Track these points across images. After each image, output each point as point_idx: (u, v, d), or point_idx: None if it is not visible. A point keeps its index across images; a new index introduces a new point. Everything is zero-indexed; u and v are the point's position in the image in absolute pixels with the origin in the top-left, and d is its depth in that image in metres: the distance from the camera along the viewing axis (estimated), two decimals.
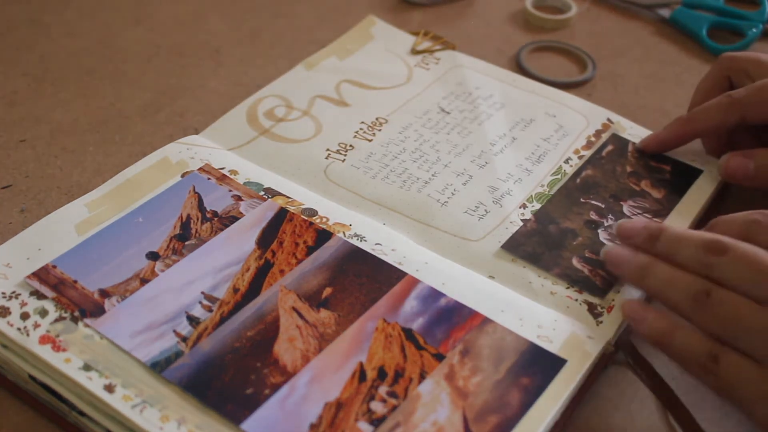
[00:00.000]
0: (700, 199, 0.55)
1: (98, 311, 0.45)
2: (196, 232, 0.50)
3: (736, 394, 0.41)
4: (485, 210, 0.54)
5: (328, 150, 0.58)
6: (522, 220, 0.53)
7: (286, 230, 0.51)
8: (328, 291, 0.47)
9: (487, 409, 0.42)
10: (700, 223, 0.55)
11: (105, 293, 0.46)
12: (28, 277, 0.46)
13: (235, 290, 0.47)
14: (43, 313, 0.45)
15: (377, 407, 0.42)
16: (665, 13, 0.75)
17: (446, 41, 0.69)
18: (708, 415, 0.44)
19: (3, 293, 0.46)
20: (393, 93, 0.63)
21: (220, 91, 0.65)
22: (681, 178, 0.56)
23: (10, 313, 0.45)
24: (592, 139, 0.60)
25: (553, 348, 0.45)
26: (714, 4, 0.74)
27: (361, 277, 0.48)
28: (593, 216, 0.54)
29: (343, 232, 0.51)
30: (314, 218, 0.52)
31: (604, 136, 0.60)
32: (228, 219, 0.51)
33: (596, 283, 0.49)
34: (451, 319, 0.46)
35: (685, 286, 0.42)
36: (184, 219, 0.51)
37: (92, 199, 0.52)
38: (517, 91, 0.64)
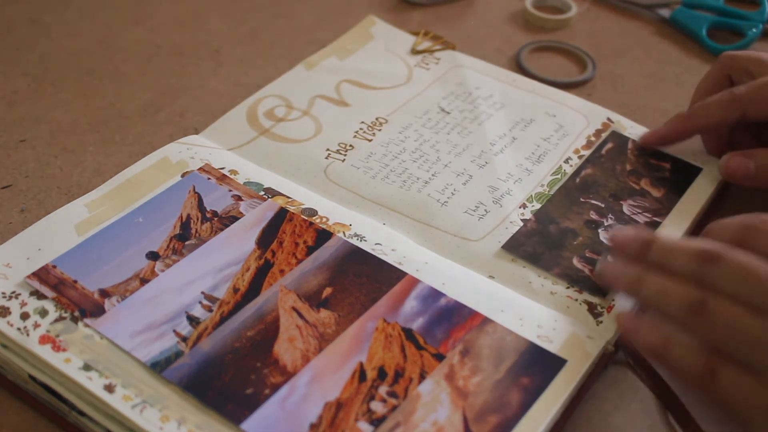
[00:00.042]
0: (700, 197, 0.55)
1: (98, 311, 0.45)
2: (196, 232, 0.50)
3: (735, 406, 0.40)
4: (485, 210, 0.54)
5: (328, 150, 0.58)
6: (522, 219, 0.53)
7: (286, 230, 0.51)
8: (328, 291, 0.47)
9: (487, 409, 0.42)
10: (700, 221, 0.55)
11: (105, 293, 0.46)
12: (28, 277, 0.46)
13: (235, 290, 0.47)
14: (43, 313, 0.45)
15: (377, 407, 0.42)
16: (665, 13, 0.75)
17: (446, 41, 0.69)
18: (708, 415, 0.44)
19: (3, 293, 0.46)
20: (393, 93, 0.63)
21: (220, 91, 0.65)
22: (681, 177, 0.56)
23: (10, 313, 0.45)
24: (592, 138, 0.60)
25: (553, 348, 0.45)
26: (714, 4, 0.74)
27: (361, 277, 0.48)
28: (593, 215, 0.54)
29: (343, 232, 0.51)
30: (314, 218, 0.52)
31: (604, 136, 0.60)
32: (228, 219, 0.51)
33: (596, 282, 0.49)
34: (451, 319, 0.46)
35: (680, 296, 0.41)
36: (184, 219, 0.51)
37: (92, 199, 0.52)
38: (517, 91, 0.64)
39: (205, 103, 0.63)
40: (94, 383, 0.42)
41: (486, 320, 0.46)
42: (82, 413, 0.42)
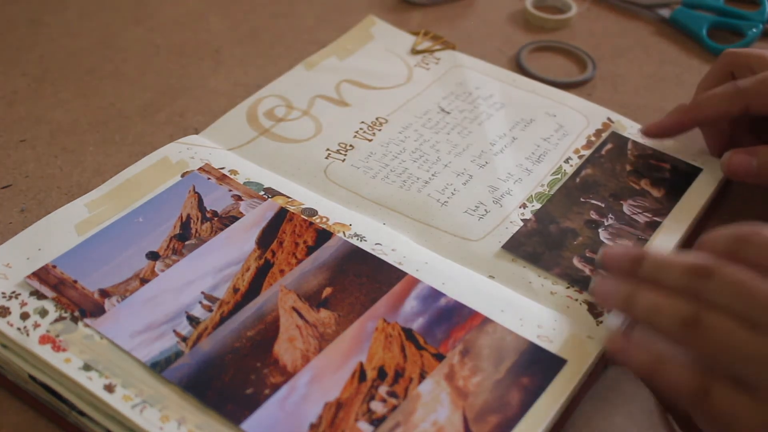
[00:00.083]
0: (700, 197, 0.55)
1: (98, 311, 0.45)
2: (196, 232, 0.50)
3: (729, 425, 0.39)
4: (485, 210, 0.54)
5: (328, 150, 0.58)
6: (522, 219, 0.53)
7: (286, 230, 0.51)
8: (328, 291, 0.47)
9: (487, 409, 0.42)
10: (700, 221, 0.55)
11: (105, 293, 0.46)
12: (28, 277, 0.46)
13: (235, 290, 0.47)
14: (43, 313, 0.45)
15: (377, 407, 0.42)
16: (665, 13, 0.75)
17: (446, 41, 0.69)
18: None
19: (3, 293, 0.46)
20: (393, 93, 0.63)
21: (220, 91, 0.65)
22: (681, 177, 0.56)
23: (10, 313, 0.45)
24: (593, 138, 0.60)
25: (553, 348, 0.45)
26: (714, 4, 0.74)
27: (361, 277, 0.48)
28: (593, 215, 0.54)
29: (343, 232, 0.51)
30: (314, 218, 0.52)
31: (604, 136, 0.60)
32: (228, 219, 0.51)
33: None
34: (451, 319, 0.46)
35: (673, 311, 0.40)
36: (184, 219, 0.51)
37: (92, 199, 0.52)
38: (517, 90, 0.64)
39: (205, 103, 0.63)
40: (94, 383, 0.42)
41: (486, 320, 0.46)
42: (82, 413, 0.42)
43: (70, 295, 0.46)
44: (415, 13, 0.74)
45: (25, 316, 0.44)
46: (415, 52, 0.67)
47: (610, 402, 0.46)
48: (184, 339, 0.44)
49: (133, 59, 0.68)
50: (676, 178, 0.56)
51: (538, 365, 0.44)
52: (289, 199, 0.53)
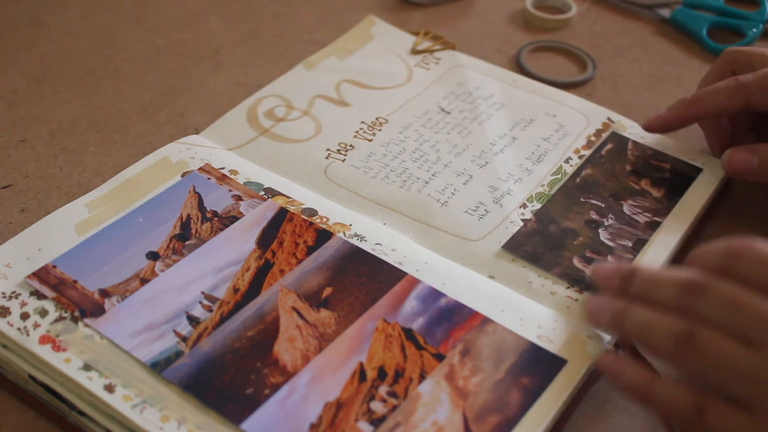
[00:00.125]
0: (700, 197, 0.55)
1: (98, 311, 0.45)
2: (196, 232, 0.50)
3: None
4: (485, 210, 0.54)
5: (328, 150, 0.58)
6: (522, 219, 0.53)
7: (286, 230, 0.51)
8: (328, 291, 0.47)
9: (487, 409, 0.42)
10: (700, 221, 0.55)
11: (105, 293, 0.46)
12: (28, 277, 0.46)
13: (235, 290, 0.47)
14: (43, 313, 0.45)
15: (377, 407, 0.42)
16: (665, 13, 0.75)
17: (446, 41, 0.69)
18: None
19: (3, 293, 0.46)
20: (393, 93, 0.63)
21: (220, 91, 0.65)
22: (681, 177, 0.56)
23: (10, 313, 0.45)
24: (593, 138, 0.60)
25: (553, 348, 0.45)
26: (714, 4, 0.74)
27: (361, 277, 0.48)
28: (593, 215, 0.54)
29: (343, 232, 0.51)
30: (314, 218, 0.52)
31: (605, 136, 0.60)
32: (228, 219, 0.51)
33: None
34: (451, 319, 0.46)
35: (666, 328, 0.40)
36: (184, 219, 0.51)
37: (92, 199, 0.52)
38: (517, 90, 0.64)
39: (205, 103, 0.63)
40: (94, 383, 0.42)
41: (486, 320, 0.46)
42: (82, 413, 0.42)
43: (70, 295, 0.46)
44: (415, 13, 0.74)
45: (25, 316, 0.44)
46: (415, 52, 0.67)
47: (610, 402, 0.45)
48: (184, 339, 0.44)
49: (133, 59, 0.68)
50: (676, 178, 0.56)
51: (538, 365, 0.44)
52: (289, 199, 0.53)
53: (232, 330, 0.45)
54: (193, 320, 0.45)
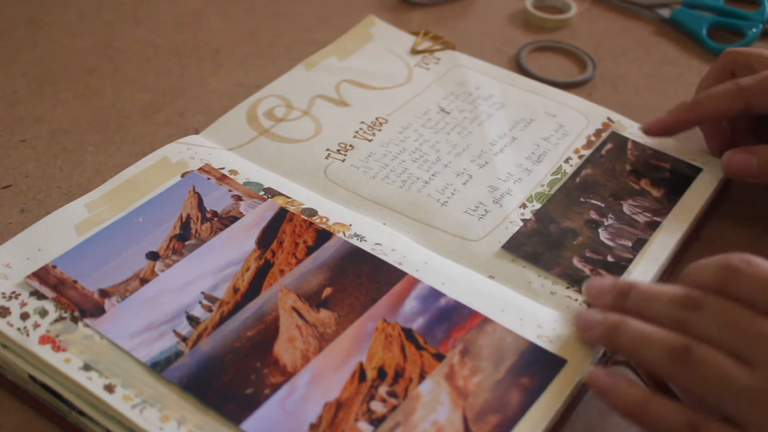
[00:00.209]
0: (700, 197, 0.55)
1: (98, 311, 0.45)
2: (196, 232, 0.50)
3: None
4: (485, 210, 0.54)
5: (328, 150, 0.58)
6: (522, 219, 0.53)
7: (286, 230, 0.51)
8: (328, 291, 0.47)
9: (487, 409, 0.42)
10: (699, 221, 0.55)
11: (105, 293, 0.46)
12: (28, 277, 0.46)
13: (235, 290, 0.47)
14: (43, 313, 0.45)
15: (377, 407, 0.42)
16: (665, 13, 0.75)
17: (446, 41, 0.69)
18: None
19: (3, 293, 0.46)
20: (393, 93, 0.63)
21: (220, 91, 0.65)
22: (681, 177, 0.56)
23: (10, 313, 0.45)
24: (593, 138, 0.60)
25: (553, 348, 0.45)
26: (714, 4, 0.74)
27: (361, 277, 0.48)
28: (593, 215, 0.54)
29: (343, 232, 0.51)
30: (314, 218, 0.52)
31: (604, 136, 0.60)
32: (228, 219, 0.51)
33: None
34: (451, 319, 0.46)
35: (662, 342, 0.39)
36: (184, 219, 0.51)
37: (92, 199, 0.52)
38: (517, 90, 0.64)
39: (205, 103, 0.63)
40: (94, 383, 0.42)
41: (486, 320, 0.46)
42: (82, 413, 0.42)
43: (70, 295, 0.46)
44: (415, 13, 0.74)
45: (25, 316, 0.44)
46: (415, 52, 0.67)
47: None
48: (184, 339, 0.44)
49: (133, 59, 0.68)
50: (676, 178, 0.56)
51: (538, 365, 0.44)
52: (289, 199, 0.53)
53: (232, 330, 0.45)
54: (193, 320, 0.45)
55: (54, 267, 0.47)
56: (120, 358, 0.43)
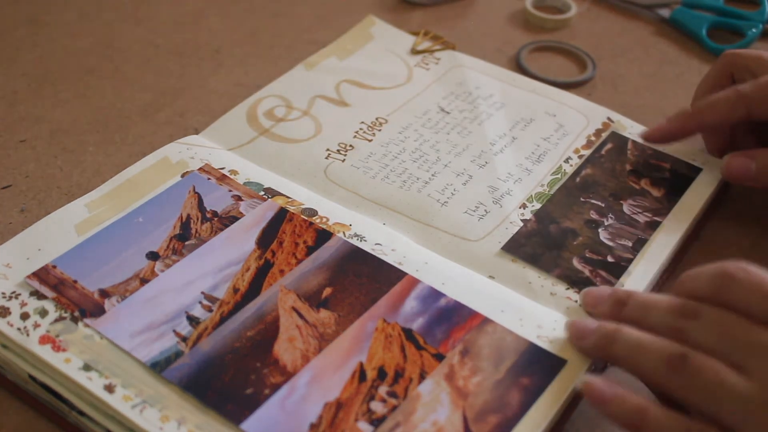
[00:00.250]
0: (700, 197, 0.55)
1: (98, 311, 0.45)
2: (196, 232, 0.50)
3: None
4: (485, 210, 0.54)
5: (328, 150, 0.58)
6: (522, 220, 0.53)
7: (286, 230, 0.51)
8: (328, 291, 0.47)
9: (487, 409, 0.42)
10: (699, 221, 0.55)
11: (105, 293, 0.46)
12: (28, 277, 0.46)
13: (235, 290, 0.47)
14: (43, 313, 0.45)
15: (377, 407, 0.42)
16: (665, 13, 0.75)
17: (446, 41, 0.69)
18: None
19: (3, 293, 0.46)
20: (393, 93, 0.63)
21: (220, 91, 0.65)
22: (681, 177, 0.56)
23: (10, 313, 0.45)
24: (593, 138, 0.60)
25: (553, 348, 0.45)
26: (714, 4, 0.74)
27: (361, 277, 0.48)
28: (593, 215, 0.54)
29: (343, 232, 0.51)
30: (314, 218, 0.52)
31: (604, 135, 0.60)
32: (228, 219, 0.51)
33: (597, 283, 0.49)
34: (451, 319, 0.46)
35: (658, 350, 0.39)
36: (184, 219, 0.51)
37: (92, 199, 0.52)
38: (517, 90, 0.64)
39: (205, 103, 0.63)
40: (94, 383, 0.42)
41: (486, 320, 0.46)
42: (82, 413, 0.42)
43: (70, 295, 0.46)
44: (415, 13, 0.74)
45: (25, 316, 0.44)
46: (415, 52, 0.67)
47: None
48: (184, 339, 0.44)
49: (133, 59, 0.68)
50: (676, 178, 0.56)
51: (538, 365, 0.44)
52: (289, 199, 0.53)
53: (232, 330, 0.45)
54: (193, 320, 0.45)
55: (54, 267, 0.47)
56: (120, 358, 0.43)
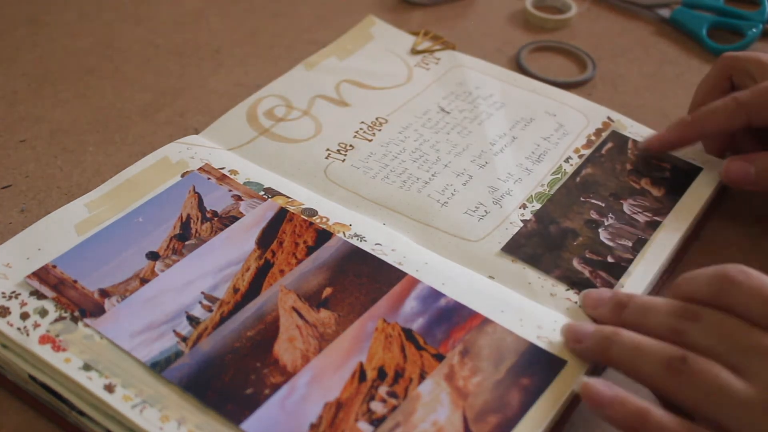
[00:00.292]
0: (700, 197, 0.55)
1: (98, 311, 0.45)
2: (196, 231, 0.50)
3: None
4: (485, 210, 0.54)
5: (328, 150, 0.58)
6: (522, 220, 0.53)
7: (286, 230, 0.51)
8: (328, 291, 0.47)
9: (487, 409, 0.42)
10: (700, 221, 0.55)
11: (105, 293, 0.46)
12: (28, 276, 0.46)
13: (235, 290, 0.47)
14: (43, 313, 0.45)
15: (377, 407, 0.42)
16: (665, 13, 0.75)
17: (446, 41, 0.69)
18: None
19: (3, 293, 0.46)
20: (393, 93, 0.63)
21: (220, 91, 0.65)
22: (681, 176, 0.56)
23: (10, 313, 0.45)
24: (593, 137, 0.60)
25: (553, 348, 0.45)
26: (714, 4, 0.74)
27: (361, 277, 0.48)
28: (593, 215, 0.54)
29: (343, 232, 0.51)
30: (314, 218, 0.52)
31: (604, 135, 0.60)
32: (228, 219, 0.51)
33: (597, 284, 0.49)
34: (451, 319, 0.46)
35: (657, 352, 0.39)
36: (184, 219, 0.51)
37: (92, 199, 0.52)
38: (517, 90, 0.64)
39: (205, 103, 0.63)
40: (94, 383, 0.42)
41: (486, 320, 0.46)
42: (82, 413, 0.42)
43: (70, 295, 0.46)
44: (415, 13, 0.74)
45: (25, 316, 0.44)
46: (415, 52, 0.67)
47: None
48: (184, 339, 0.44)
49: (133, 59, 0.68)
50: (677, 178, 0.56)
51: (538, 366, 0.44)
52: (289, 199, 0.53)
53: (232, 330, 0.45)
54: (193, 320, 0.45)
55: (54, 267, 0.47)
56: (120, 358, 0.43)
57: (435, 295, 0.47)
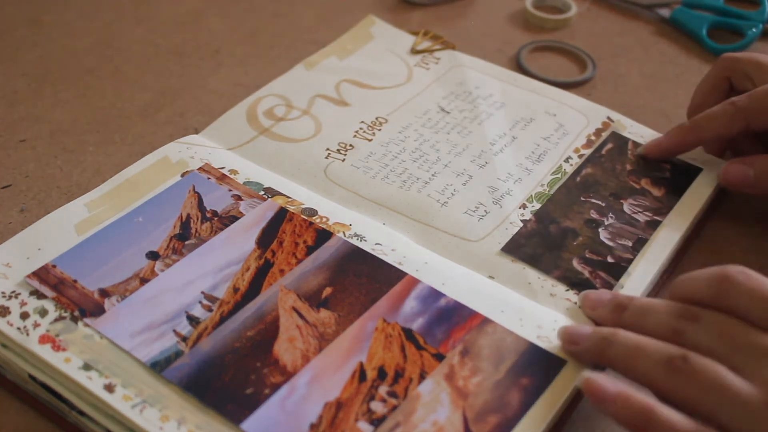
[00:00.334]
0: (700, 197, 0.55)
1: (98, 311, 0.45)
2: (196, 231, 0.50)
3: None
4: (485, 210, 0.54)
5: (328, 150, 0.58)
6: (522, 220, 0.53)
7: (286, 230, 0.51)
8: (328, 291, 0.47)
9: (487, 409, 0.42)
10: (699, 221, 0.55)
11: (105, 293, 0.46)
12: (28, 276, 0.46)
13: (235, 290, 0.47)
14: (43, 312, 0.45)
15: (377, 407, 0.42)
16: (665, 13, 0.75)
17: (446, 41, 0.69)
18: None
19: (3, 293, 0.46)
20: (393, 93, 0.63)
21: (220, 91, 0.65)
22: (681, 177, 0.56)
23: (10, 312, 0.45)
24: (593, 137, 0.60)
25: (553, 348, 0.45)
26: (714, 4, 0.74)
27: (361, 277, 0.48)
28: (593, 215, 0.54)
29: (343, 232, 0.51)
30: (314, 218, 0.52)
31: (605, 135, 0.60)
32: (228, 219, 0.51)
33: (596, 285, 0.49)
34: (451, 319, 0.46)
35: (657, 351, 0.39)
36: (184, 218, 0.51)
37: (92, 198, 0.52)
38: (517, 90, 0.64)
39: (205, 103, 0.63)
40: (94, 383, 0.42)
41: (486, 320, 0.46)
42: (82, 413, 0.42)
43: (70, 295, 0.46)
44: (415, 13, 0.74)
45: (25, 316, 0.44)
46: (415, 52, 0.67)
47: None
48: (184, 339, 0.44)
49: (133, 59, 0.68)
50: (677, 178, 0.56)
51: (538, 365, 0.44)
52: (289, 199, 0.53)
53: (232, 330, 0.45)
54: (193, 320, 0.45)
55: (54, 266, 0.47)
56: (120, 357, 0.43)
57: (435, 295, 0.47)
